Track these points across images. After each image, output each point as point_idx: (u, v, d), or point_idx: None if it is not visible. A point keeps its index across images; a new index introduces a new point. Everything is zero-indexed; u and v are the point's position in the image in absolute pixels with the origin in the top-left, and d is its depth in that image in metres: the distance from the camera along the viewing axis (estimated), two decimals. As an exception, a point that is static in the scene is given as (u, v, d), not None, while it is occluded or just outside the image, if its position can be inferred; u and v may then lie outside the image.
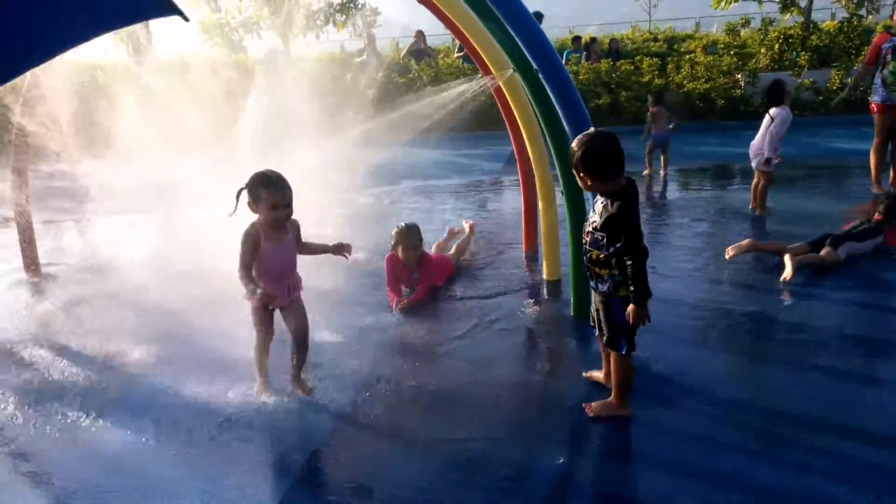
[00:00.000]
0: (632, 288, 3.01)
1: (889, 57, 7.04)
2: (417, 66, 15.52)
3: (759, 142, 6.57)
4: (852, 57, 13.57)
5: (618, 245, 3.02)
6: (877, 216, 5.49)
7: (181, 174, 6.01)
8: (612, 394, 3.35)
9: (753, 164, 6.69)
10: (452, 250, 5.71)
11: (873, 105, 7.30)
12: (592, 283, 3.27)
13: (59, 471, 3.13)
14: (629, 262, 3.00)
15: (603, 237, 3.07)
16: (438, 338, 4.37)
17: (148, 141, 5.88)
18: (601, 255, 3.10)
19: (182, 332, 4.47)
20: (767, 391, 3.59)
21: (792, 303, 4.62)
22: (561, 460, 3.02)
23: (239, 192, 3.31)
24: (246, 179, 3.30)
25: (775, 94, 6.56)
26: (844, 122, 11.85)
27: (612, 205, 3.01)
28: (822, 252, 5.13)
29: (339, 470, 3.05)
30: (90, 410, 3.58)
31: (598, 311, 3.28)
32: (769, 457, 2.96)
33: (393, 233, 5.02)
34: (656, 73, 14.30)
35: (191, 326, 4.52)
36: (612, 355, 3.27)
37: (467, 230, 6.09)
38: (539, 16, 16.61)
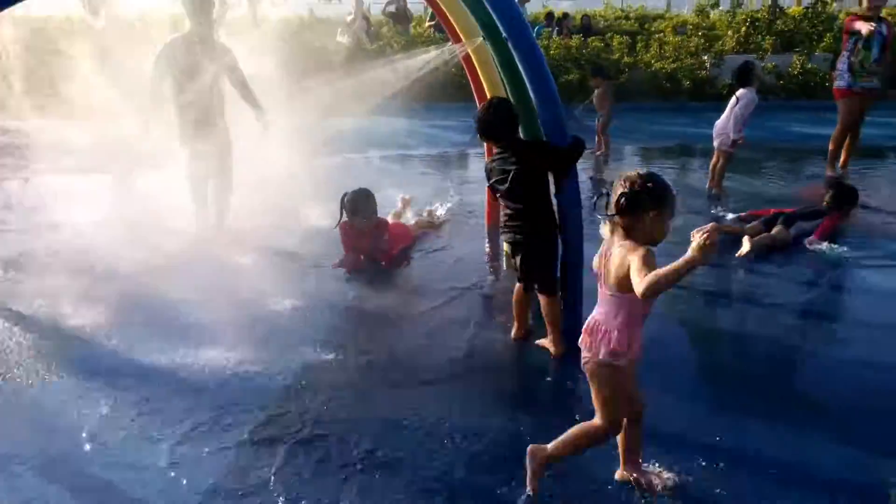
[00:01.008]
0: None
1: (861, 45, 7.10)
2: (395, 27, 15.44)
3: (724, 122, 6.71)
4: (814, 43, 13.83)
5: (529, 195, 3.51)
6: (825, 202, 5.68)
7: (133, 135, 5.88)
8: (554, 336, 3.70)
9: (716, 144, 6.84)
10: (412, 222, 5.75)
11: (836, 90, 7.40)
12: (509, 237, 3.67)
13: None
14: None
15: (517, 189, 3.50)
16: (398, 306, 4.46)
17: (102, 99, 5.74)
18: (518, 207, 3.54)
19: (126, 294, 4.50)
20: (721, 355, 3.76)
21: (744, 276, 4.80)
22: (521, 427, 3.12)
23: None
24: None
25: (743, 76, 6.69)
26: (804, 106, 12.12)
27: (510, 161, 3.50)
28: (774, 230, 5.31)
29: (297, 436, 3.10)
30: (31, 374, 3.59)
31: (524, 261, 3.64)
32: (721, 416, 3.11)
33: (345, 200, 5.00)
34: (626, 51, 14.38)
35: (133, 290, 4.55)
36: (544, 298, 3.63)
37: (400, 205, 6.07)
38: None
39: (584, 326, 2.52)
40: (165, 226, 5.54)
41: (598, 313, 2.48)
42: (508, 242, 3.81)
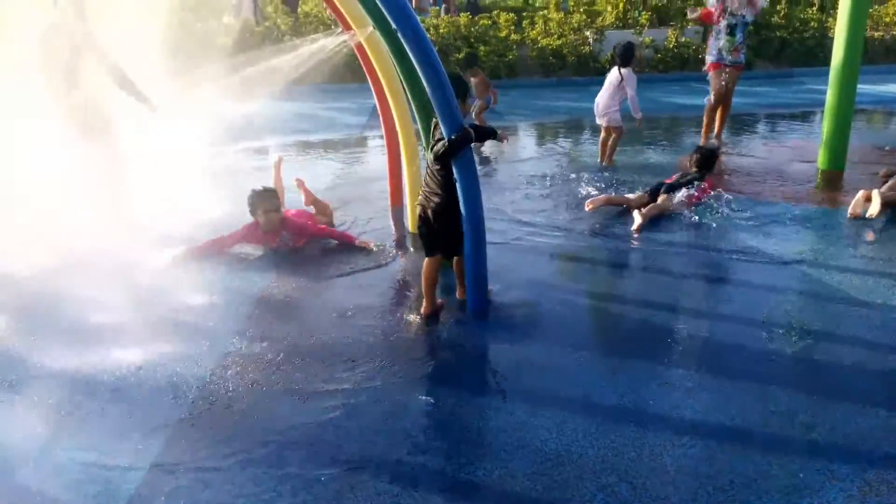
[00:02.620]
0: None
1: (724, 32, 7.71)
2: (285, 9, 15.09)
3: (609, 100, 7.07)
4: (686, 17, 14.59)
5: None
6: (692, 167, 6.14)
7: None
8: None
9: (604, 122, 7.20)
10: (312, 209, 5.78)
11: (709, 64, 7.98)
12: (430, 203, 3.92)
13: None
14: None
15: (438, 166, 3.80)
16: (307, 292, 4.50)
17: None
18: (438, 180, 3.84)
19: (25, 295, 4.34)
20: (617, 323, 4.04)
21: (632, 245, 5.14)
22: (431, 399, 3.27)
23: None
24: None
25: (628, 56, 7.06)
26: (679, 78, 12.85)
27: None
28: (660, 200, 5.70)
29: (217, 425, 3.14)
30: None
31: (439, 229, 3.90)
32: (614, 382, 3.38)
33: (248, 198, 5.01)
34: (513, 28, 14.71)
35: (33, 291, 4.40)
36: (458, 260, 4.07)
37: (274, 172, 6.06)
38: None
39: None
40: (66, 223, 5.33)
41: None
42: (428, 209, 3.95)
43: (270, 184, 5.57)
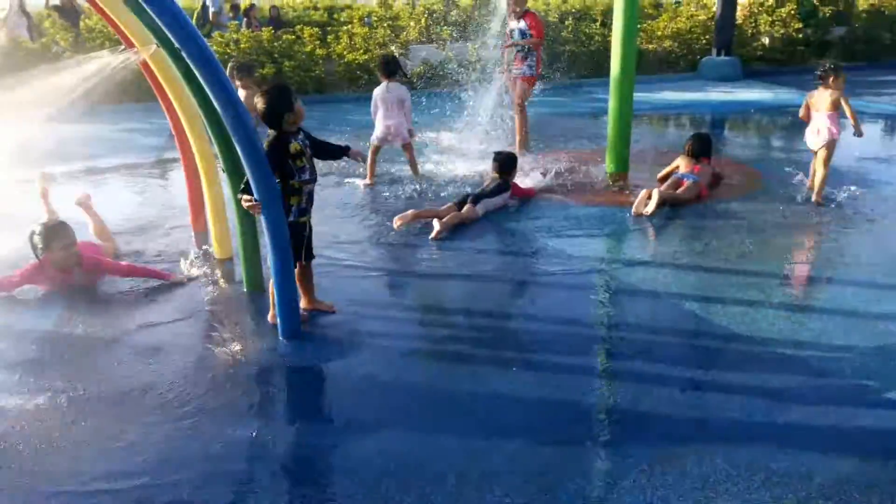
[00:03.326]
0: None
1: (510, 39, 8.20)
2: (64, 24, 13.84)
3: (401, 119, 7.08)
4: (486, 32, 15.31)
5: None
6: (495, 172, 6.43)
7: None
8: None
9: (399, 143, 7.25)
10: (97, 240, 5.34)
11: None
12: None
13: None
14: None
15: None
16: (110, 331, 4.15)
17: None
18: None
19: None
20: (428, 332, 4.12)
21: (440, 255, 5.27)
22: (254, 433, 3.14)
23: None
24: None
25: (392, 67, 7.09)
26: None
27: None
28: (463, 210, 5.90)
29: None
30: None
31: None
32: (431, 390, 3.44)
33: (36, 236, 4.55)
34: (318, 43, 14.59)
35: None
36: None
37: (43, 204, 5.65)
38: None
39: None
40: None
41: None
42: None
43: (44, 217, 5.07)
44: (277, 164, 3.78)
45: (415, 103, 7.48)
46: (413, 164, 7.42)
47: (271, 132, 3.87)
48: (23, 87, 5.38)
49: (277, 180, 3.75)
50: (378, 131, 7.16)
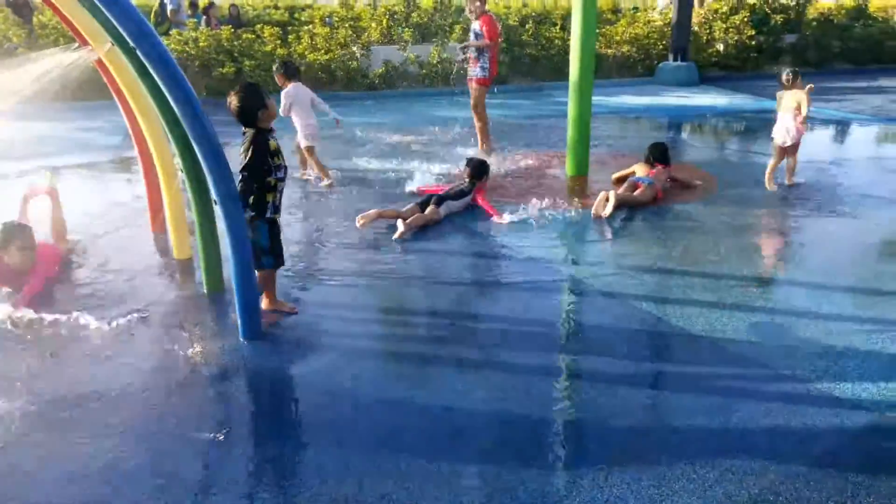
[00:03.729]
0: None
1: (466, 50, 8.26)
2: (17, 20, 13.46)
3: (314, 119, 7.15)
4: (447, 33, 15.37)
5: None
6: (466, 177, 6.48)
7: None
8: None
9: (315, 143, 7.22)
10: (51, 235, 5.22)
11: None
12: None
13: None
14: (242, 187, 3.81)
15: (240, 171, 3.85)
16: (66, 335, 4.05)
17: None
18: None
19: None
20: (388, 331, 4.12)
21: (403, 256, 5.28)
22: (220, 437, 3.11)
23: None
24: None
25: (296, 69, 7.19)
26: (445, 93, 13.48)
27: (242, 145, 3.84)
28: (427, 211, 5.92)
29: None
30: None
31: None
32: (394, 387, 3.44)
33: None
34: (279, 42, 14.47)
35: None
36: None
37: (22, 206, 5.36)
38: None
39: None
40: None
41: None
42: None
43: (15, 219, 4.93)
44: (262, 161, 3.78)
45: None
46: (319, 165, 7.35)
47: (249, 130, 3.85)
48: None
49: (267, 178, 3.89)
50: (307, 131, 7.13)
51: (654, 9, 18.38)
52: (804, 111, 6.62)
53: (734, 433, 3.12)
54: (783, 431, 3.14)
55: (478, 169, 6.50)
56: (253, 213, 3.92)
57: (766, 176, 6.98)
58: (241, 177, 3.84)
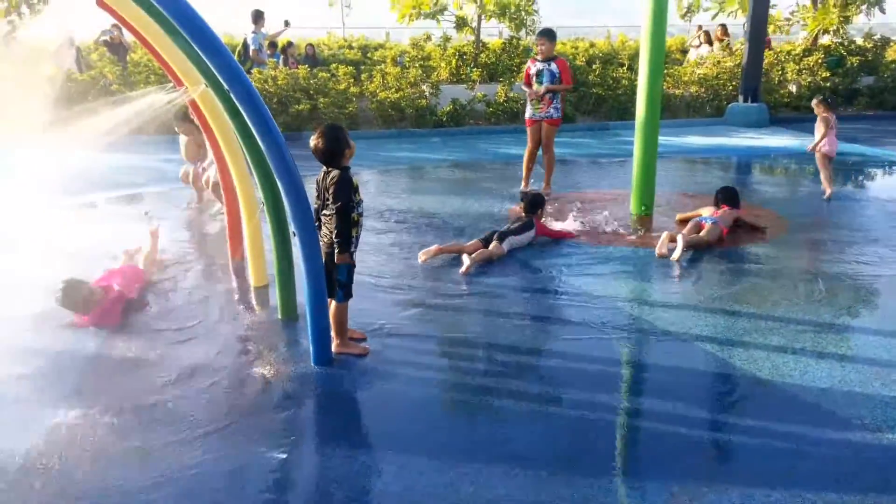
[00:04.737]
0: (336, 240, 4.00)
1: (534, 80, 8.45)
2: (112, 59, 14.48)
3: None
4: (514, 73, 15.66)
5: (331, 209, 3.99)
6: (521, 212, 6.61)
7: None
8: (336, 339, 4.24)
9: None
10: (141, 264, 5.57)
11: (527, 119, 8.68)
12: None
13: None
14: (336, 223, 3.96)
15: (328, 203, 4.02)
16: (148, 352, 4.33)
17: None
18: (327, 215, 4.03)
19: None
20: (454, 363, 4.24)
21: (468, 289, 5.40)
22: (283, 456, 3.27)
23: None
24: None
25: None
26: (510, 130, 13.69)
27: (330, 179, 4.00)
28: (491, 247, 6.05)
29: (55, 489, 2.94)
30: None
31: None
32: (454, 421, 3.54)
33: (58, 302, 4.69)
34: (352, 81, 15.02)
35: None
36: (331, 302, 4.15)
37: (151, 239, 5.87)
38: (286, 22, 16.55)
39: None
40: None
41: None
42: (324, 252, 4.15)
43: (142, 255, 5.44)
44: (349, 197, 3.99)
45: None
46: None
47: (333, 170, 4.04)
48: (82, 119, 5.69)
49: (351, 214, 4.03)
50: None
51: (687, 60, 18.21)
52: (815, 138, 8.20)
53: (801, 482, 3.07)
54: (853, 481, 3.08)
55: (533, 202, 6.62)
56: (353, 250, 4.09)
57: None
58: (333, 216, 3.98)
